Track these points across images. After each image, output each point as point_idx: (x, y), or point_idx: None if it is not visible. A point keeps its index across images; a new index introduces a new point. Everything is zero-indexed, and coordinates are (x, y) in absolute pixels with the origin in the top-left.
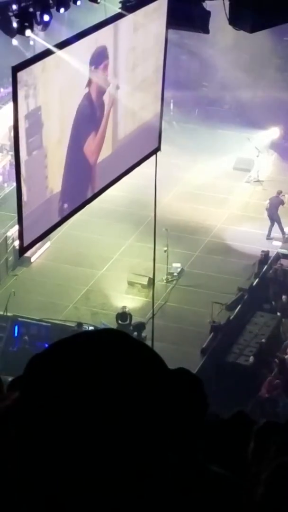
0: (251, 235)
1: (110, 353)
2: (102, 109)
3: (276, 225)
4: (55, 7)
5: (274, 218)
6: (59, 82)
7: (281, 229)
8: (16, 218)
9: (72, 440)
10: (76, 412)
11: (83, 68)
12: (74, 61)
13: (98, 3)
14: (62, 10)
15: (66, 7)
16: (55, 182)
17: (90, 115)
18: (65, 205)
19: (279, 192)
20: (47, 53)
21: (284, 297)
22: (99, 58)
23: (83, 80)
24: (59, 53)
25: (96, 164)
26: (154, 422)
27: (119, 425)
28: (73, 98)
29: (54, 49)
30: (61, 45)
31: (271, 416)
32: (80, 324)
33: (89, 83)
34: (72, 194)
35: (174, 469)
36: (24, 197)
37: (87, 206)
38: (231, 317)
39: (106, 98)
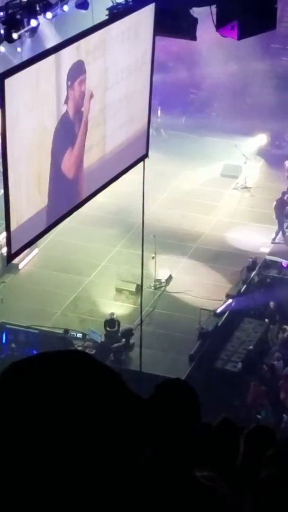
0: (239, 242)
1: (74, 371)
2: (79, 123)
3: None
4: (42, 14)
5: (278, 219)
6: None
7: (278, 232)
8: (4, 225)
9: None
10: (36, 422)
11: (60, 82)
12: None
13: (86, 9)
14: (49, 15)
15: (54, 13)
16: (43, 189)
17: (67, 131)
18: (53, 212)
19: (284, 193)
20: (35, 59)
21: (271, 303)
22: (76, 73)
23: (61, 95)
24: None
25: (78, 176)
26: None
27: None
28: (51, 112)
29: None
30: (48, 53)
31: (256, 423)
32: (66, 331)
33: (66, 99)
34: (59, 202)
35: (154, 478)
36: (12, 204)
37: (75, 213)
38: (219, 324)
39: (84, 112)
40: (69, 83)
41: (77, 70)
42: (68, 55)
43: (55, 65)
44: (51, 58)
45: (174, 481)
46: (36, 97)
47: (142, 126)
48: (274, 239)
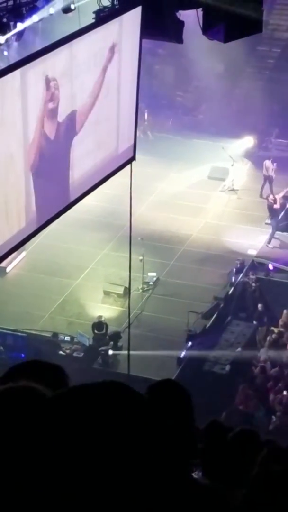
0: (227, 244)
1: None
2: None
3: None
4: (28, 17)
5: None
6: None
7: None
8: None
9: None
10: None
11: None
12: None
13: (73, 10)
14: (35, 18)
15: (40, 16)
16: (29, 192)
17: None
18: (40, 216)
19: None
20: (21, 63)
21: (259, 305)
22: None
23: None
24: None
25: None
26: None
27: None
28: (17, 135)
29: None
30: (36, 55)
31: (246, 425)
32: (54, 334)
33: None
34: (46, 208)
35: (163, 485)
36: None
37: (62, 216)
38: (207, 326)
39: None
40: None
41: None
42: (53, 63)
43: (20, 84)
44: (17, 75)
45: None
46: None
47: (129, 126)
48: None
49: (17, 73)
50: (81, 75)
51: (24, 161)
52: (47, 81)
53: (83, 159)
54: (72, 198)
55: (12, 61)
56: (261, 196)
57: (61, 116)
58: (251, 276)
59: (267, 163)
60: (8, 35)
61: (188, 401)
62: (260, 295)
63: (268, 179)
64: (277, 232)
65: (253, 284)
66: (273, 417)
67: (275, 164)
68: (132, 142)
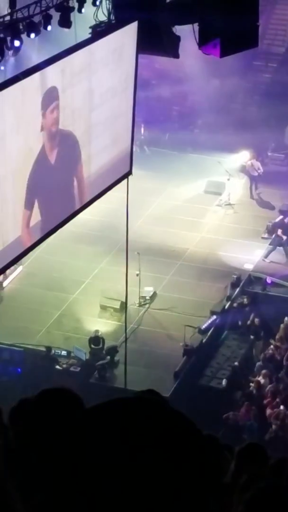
0: (223, 258)
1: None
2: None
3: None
4: (25, 33)
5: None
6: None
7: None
8: None
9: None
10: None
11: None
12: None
13: (69, 27)
14: (32, 35)
15: (37, 33)
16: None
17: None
18: (37, 231)
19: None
20: (19, 77)
21: (256, 320)
22: (50, 100)
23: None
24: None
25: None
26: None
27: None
28: (37, 131)
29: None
30: (33, 71)
31: (242, 441)
32: (51, 349)
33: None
34: (43, 223)
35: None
36: None
37: (59, 230)
38: (204, 340)
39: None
40: (42, 111)
41: (50, 97)
42: (52, 76)
43: (40, 83)
44: (36, 76)
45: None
46: (21, 116)
47: (125, 141)
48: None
49: (17, 85)
50: (99, 71)
51: (25, 168)
52: (48, 93)
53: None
54: (90, 191)
55: (9, 76)
56: (251, 197)
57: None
58: (248, 290)
59: (254, 162)
60: (6, 52)
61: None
62: (256, 309)
63: (255, 179)
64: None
65: (250, 298)
66: (271, 429)
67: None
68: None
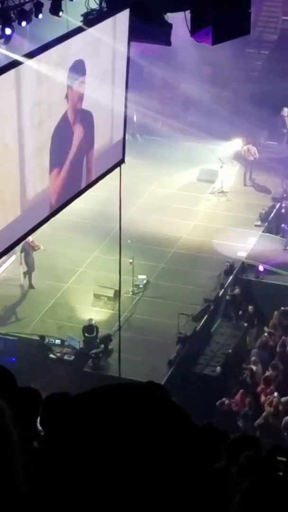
0: (216, 246)
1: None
2: (71, 136)
3: None
4: (16, 21)
5: None
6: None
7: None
8: None
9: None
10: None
11: (60, 83)
12: (52, 73)
13: (59, 16)
14: (23, 23)
15: (28, 21)
16: (14, 201)
17: (62, 143)
18: (29, 219)
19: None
20: (14, 64)
21: (250, 307)
22: (78, 71)
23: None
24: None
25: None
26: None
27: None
28: (12, 127)
29: (23, 59)
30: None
31: (237, 428)
32: (45, 338)
33: (67, 97)
34: (35, 210)
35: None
36: None
37: (52, 219)
38: (198, 328)
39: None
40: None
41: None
42: (29, 70)
43: (15, 80)
44: (11, 73)
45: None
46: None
47: (118, 128)
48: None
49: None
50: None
51: (19, 151)
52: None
53: None
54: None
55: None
56: (245, 184)
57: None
58: (241, 277)
59: (250, 147)
60: None
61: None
62: (250, 297)
63: (250, 164)
64: (265, 234)
65: (238, 293)
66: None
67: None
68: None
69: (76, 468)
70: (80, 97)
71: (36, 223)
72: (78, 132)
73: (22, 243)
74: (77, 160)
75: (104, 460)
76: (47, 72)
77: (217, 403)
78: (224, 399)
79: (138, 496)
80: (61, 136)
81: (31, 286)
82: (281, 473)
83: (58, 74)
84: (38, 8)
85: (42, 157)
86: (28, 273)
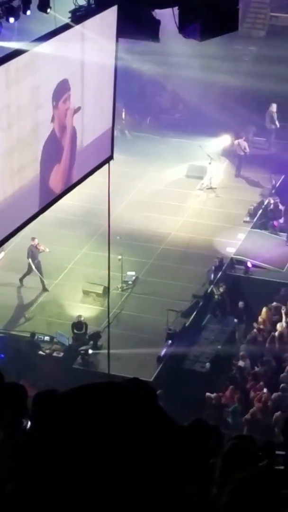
0: (205, 242)
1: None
2: (64, 138)
3: None
4: (4, 18)
5: None
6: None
7: None
8: None
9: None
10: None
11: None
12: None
13: (47, 13)
14: (11, 20)
15: (16, 17)
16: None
17: (54, 148)
18: (18, 216)
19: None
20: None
21: (240, 303)
22: (62, 92)
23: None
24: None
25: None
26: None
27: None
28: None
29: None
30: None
31: (226, 424)
32: (34, 334)
33: (53, 118)
34: (24, 207)
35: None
36: None
37: (41, 216)
38: (187, 324)
39: (68, 125)
40: (54, 103)
41: (63, 89)
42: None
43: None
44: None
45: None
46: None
47: (106, 125)
48: None
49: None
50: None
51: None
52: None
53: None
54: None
55: None
56: (237, 176)
57: None
58: (230, 274)
59: (241, 142)
60: None
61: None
62: (239, 293)
63: (241, 159)
64: (254, 230)
65: (219, 291)
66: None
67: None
68: (110, 141)
69: (60, 462)
70: (67, 108)
71: (14, 225)
72: (68, 133)
73: (28, 247)
74: (68, 158)
75: (83, 455)
76: (15, 76)
77: (206, 395)
78: (212, 394)
79: (117, 488)
80: (50, 144)
81: (44, 289)
82: (282, 467)
83: (26, 77)
84: (26, 4)
85: (11, 158)
86: (40, 277)
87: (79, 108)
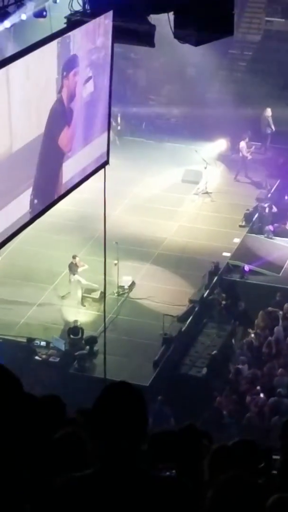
0: (201, 247)
1: None
2: (72, 110)
3: None
4: (0, 22)
5: None
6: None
7: None
8: None
9: None
10: None
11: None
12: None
13: (44, 17)
14: (7, 23)
15: (12, 22)
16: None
17: (62, 114)
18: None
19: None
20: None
21: (241, 303)
22: (72, 64)
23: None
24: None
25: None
26: None
27: None
28: (43, 101)
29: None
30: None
31: (222, 428)
32: (30, 339)
33: (61, 89)
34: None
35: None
36: None
37: (37, 221)
38: (183, 329)
39: (76, 101)
40: (64, 73)
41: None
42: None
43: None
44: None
45: (134, 477)
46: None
47: (102, 130)
48: None
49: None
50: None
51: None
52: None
53: None
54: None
55: None
56: (235, 179)
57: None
58: (226, 278)
59: (242, 143)
60: None
61: (140, 402)
62: (235, 297)
63: (243, 160)
64: (250, 234)
65: (223, 302)
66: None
67: (253, 147)
68: (105, 148)
69: None
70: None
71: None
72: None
73: (69, 264)
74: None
75: None
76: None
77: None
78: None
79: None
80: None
81: (82, 304)
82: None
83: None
84: (22, 10)
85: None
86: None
87: (89, 78)
